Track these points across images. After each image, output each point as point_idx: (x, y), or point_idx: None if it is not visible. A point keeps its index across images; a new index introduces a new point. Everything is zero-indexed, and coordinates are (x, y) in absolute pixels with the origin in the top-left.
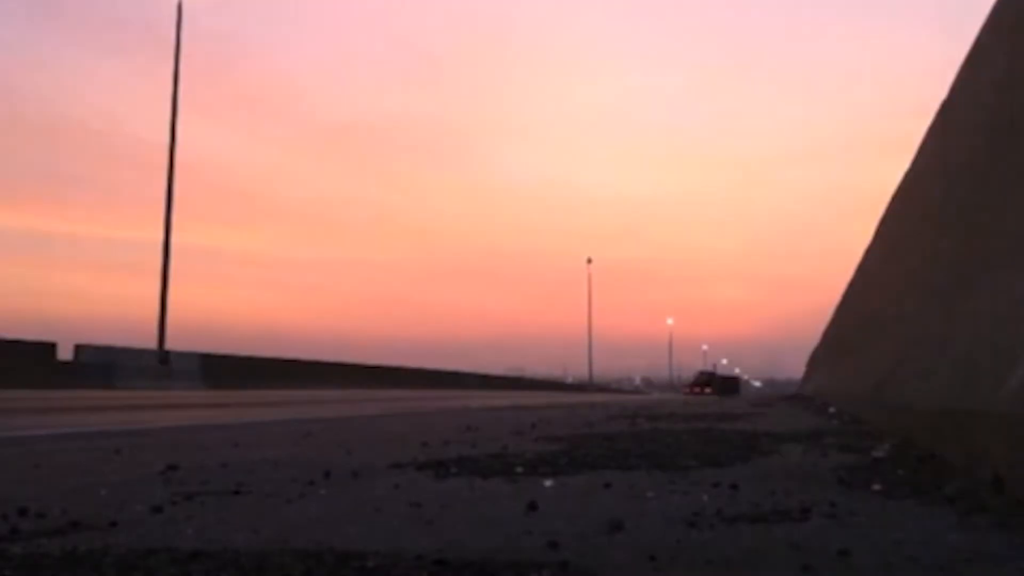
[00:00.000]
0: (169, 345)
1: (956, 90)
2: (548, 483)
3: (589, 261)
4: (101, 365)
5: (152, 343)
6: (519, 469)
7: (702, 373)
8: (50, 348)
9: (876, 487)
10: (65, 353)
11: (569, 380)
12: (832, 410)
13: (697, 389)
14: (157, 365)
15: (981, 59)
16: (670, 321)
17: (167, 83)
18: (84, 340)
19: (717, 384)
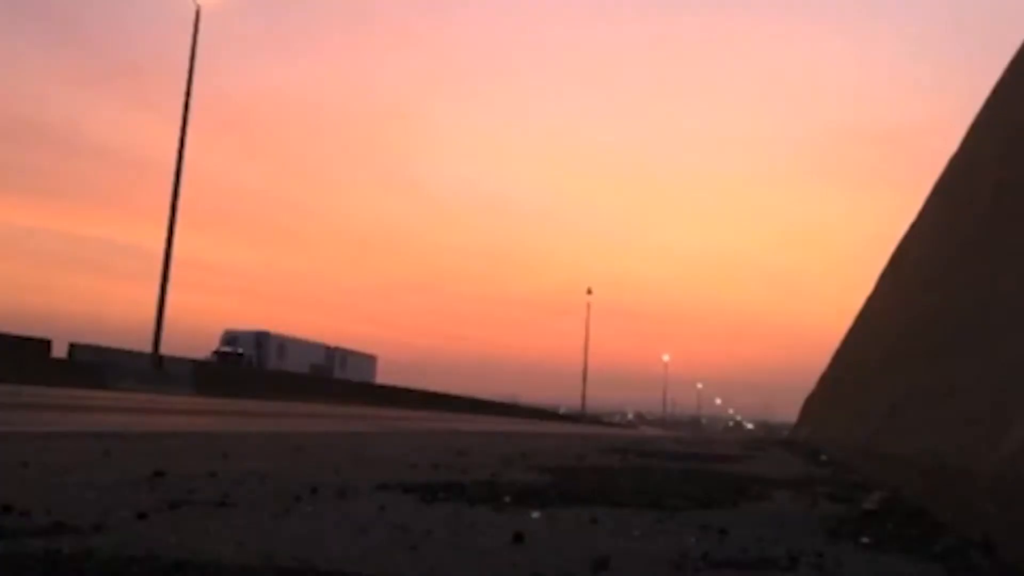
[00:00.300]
0: (164, 349)
1: (963, 149)
2: (535, 515)
3: (589, 291)
4: (95, 365)
5: (147, 347)
6: (507, 499)
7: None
8: (44, 345)
9: (864, 539)
10: (59, 351)
11: (562, 411)
12: (824, 457)
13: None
14: (151, 369)
15: (989, 120)
16: (666, 358)
17: (167, 87)
18: (80, 339)
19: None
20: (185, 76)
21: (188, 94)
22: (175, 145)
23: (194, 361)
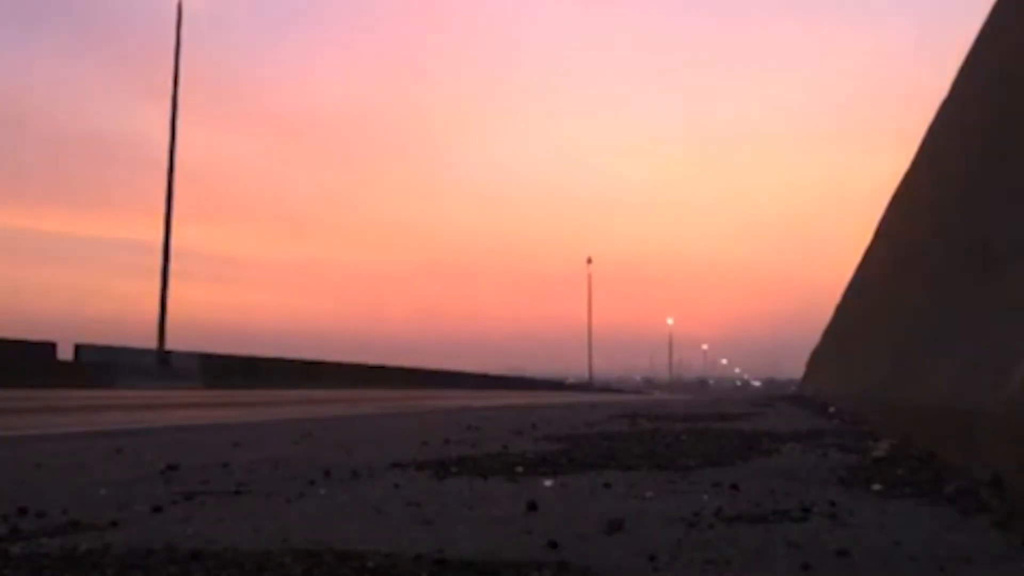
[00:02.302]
0: (169, 345)
1: (956, 88)
2: (548, 483)
3: (589, 261)
4: (101, 365)
5: (152, 343)
6: (519, 469)
7: None
8: (50, 348)
9: (876, 487)
10: (65, 353)
11: (570, 380)
12: (832, 410)
13: None
14: (157, 365)
15: (980, 57)
16: (670, 321)
17: (167, 82)
18: (84, 340)
19: None
20: (232, 86)
21: (176, 85)
22: (195, 141)
23: (201, 355)
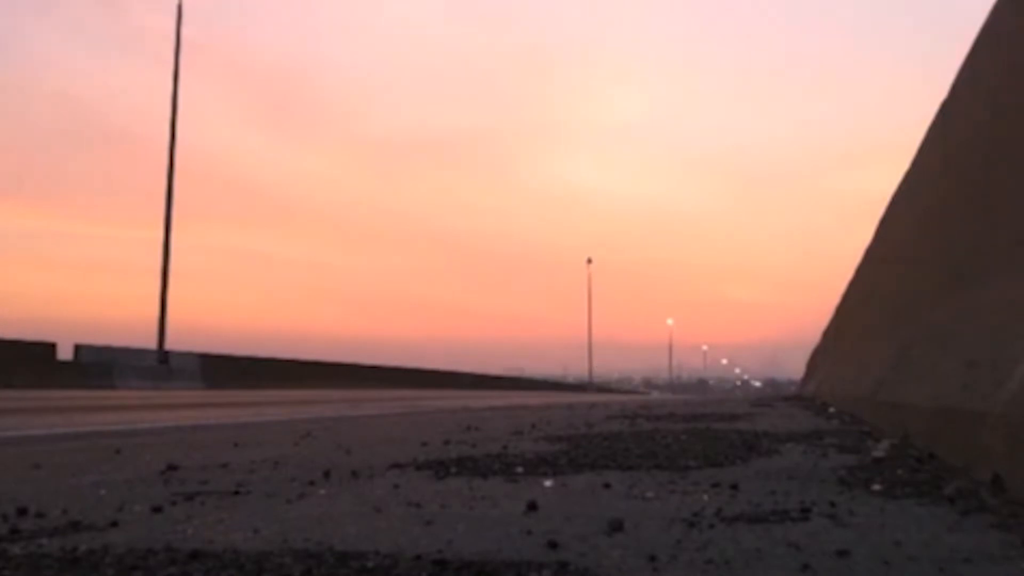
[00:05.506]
0: (169, 345)
1: (957, 88)
2: (548, 483)
3: (589, 261)
4: (101, 365)
5: (152, 343)
6: (519, 469)
7: None
8: (50, 348)
9: (876, 487)
10: (65, 353)
11: (569, 380)
12: (832, 410)
13: None
14: (157, 365)
15: (982, 56)
16: (670, 322)
17: (169, 82)
18: (84, 340)
19: None
20: (219, 75)
21: (176, 85)
22: (206, 141)
23: (200, 355)
